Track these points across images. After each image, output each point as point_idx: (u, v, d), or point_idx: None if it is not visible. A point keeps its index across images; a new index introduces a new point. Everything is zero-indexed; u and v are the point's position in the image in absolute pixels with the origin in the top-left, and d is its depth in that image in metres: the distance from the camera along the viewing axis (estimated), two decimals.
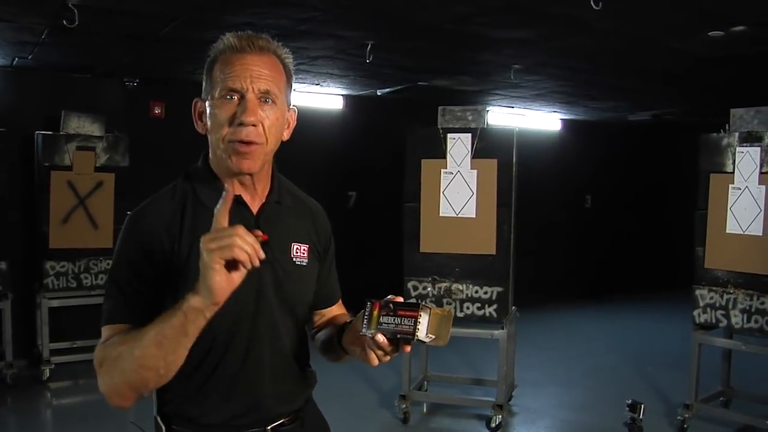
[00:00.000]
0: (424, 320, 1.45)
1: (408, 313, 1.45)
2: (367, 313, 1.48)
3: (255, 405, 1.66)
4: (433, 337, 1.47)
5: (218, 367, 1.61)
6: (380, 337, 1.46)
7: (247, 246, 1.32)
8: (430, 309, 1.47)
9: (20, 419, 5.47)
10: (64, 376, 6.14)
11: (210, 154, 1.66)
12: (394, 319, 1.46)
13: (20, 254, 6.23)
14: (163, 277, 1.56)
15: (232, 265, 1.34)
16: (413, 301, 1.51)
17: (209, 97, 1.59)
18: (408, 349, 1.49)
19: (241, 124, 1.54)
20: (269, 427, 1.68)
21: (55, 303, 6.19)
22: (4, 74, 6.27)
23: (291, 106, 1.69)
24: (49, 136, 6.09)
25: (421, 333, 1.45)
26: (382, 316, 1.47)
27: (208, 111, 1.59)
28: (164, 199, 1.64)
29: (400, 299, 1.49)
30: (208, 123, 1.60)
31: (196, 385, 1.61)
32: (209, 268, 1.32)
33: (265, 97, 1.56)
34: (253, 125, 1.54)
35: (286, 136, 1.67)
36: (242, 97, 1.54)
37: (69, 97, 6.51)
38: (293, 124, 1.70)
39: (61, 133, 6.12)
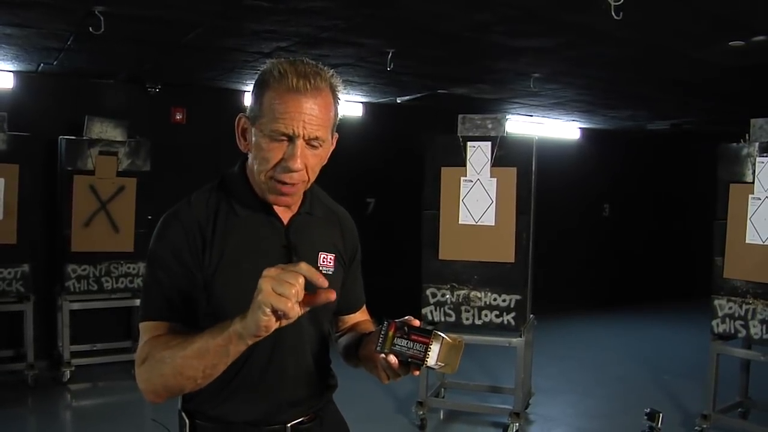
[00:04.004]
0: (435, 348, 1.49)
1: (421, 339, 1.49)
2: (382, 333, 1.51)
3: (275, 408, 1.71)
4: (443, 364, 1.51)
5: (241, 372, 1.65)
6: (392, 359, 1.50)
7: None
8: (443, 338, 1.51)
9: (40, 420, 5.54)
10: (84, 378, 6.20)
11: (248, 165, 1.68)
12: (407, 343, 1.49)
13: (42, 257, 6.30)
14: (196, 277, 1.60)
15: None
16: (428, 327, 1.55)
17: (257, 125, 1.58)
18: (417, 373, 1.53)
19: (287, 169, 1.56)
20: (289, 425, 1.72)
21: (76, 306, 6.24)
22: (29, 79, 6.35)
23: (334, 133, 1.69)
24: (72, 141, 6.17)
25: (431, 360, 1.50)
26: (397, 338, 1.50)
27: (253, 139, 1.60)
28: (199, 202, 1.68)
29: (417, 323, 1.52)
30: (252, 151, 1.62)
31: (219, 387, 1.64)
32: (260, 310, 1.33)
33: (313, 142, 1.58)
34: (298, 170, 1.57)
35: (324, 161, 1.68)
36: (291, 140, 1.55)
37: (92, 102, 6.59)
38: (332, 147, 1.70)
39: (84, 137, 6.18)
